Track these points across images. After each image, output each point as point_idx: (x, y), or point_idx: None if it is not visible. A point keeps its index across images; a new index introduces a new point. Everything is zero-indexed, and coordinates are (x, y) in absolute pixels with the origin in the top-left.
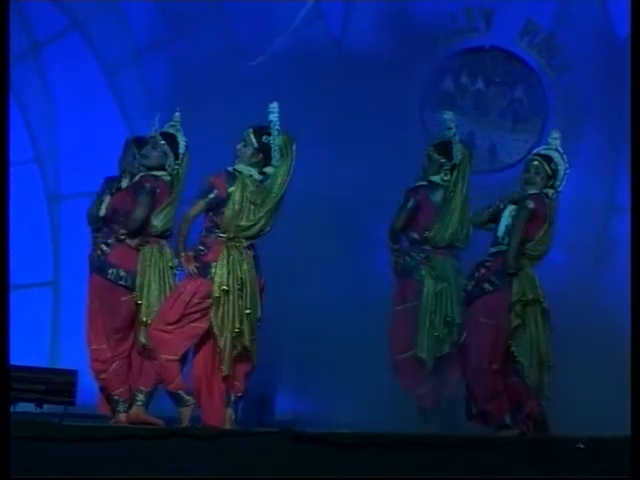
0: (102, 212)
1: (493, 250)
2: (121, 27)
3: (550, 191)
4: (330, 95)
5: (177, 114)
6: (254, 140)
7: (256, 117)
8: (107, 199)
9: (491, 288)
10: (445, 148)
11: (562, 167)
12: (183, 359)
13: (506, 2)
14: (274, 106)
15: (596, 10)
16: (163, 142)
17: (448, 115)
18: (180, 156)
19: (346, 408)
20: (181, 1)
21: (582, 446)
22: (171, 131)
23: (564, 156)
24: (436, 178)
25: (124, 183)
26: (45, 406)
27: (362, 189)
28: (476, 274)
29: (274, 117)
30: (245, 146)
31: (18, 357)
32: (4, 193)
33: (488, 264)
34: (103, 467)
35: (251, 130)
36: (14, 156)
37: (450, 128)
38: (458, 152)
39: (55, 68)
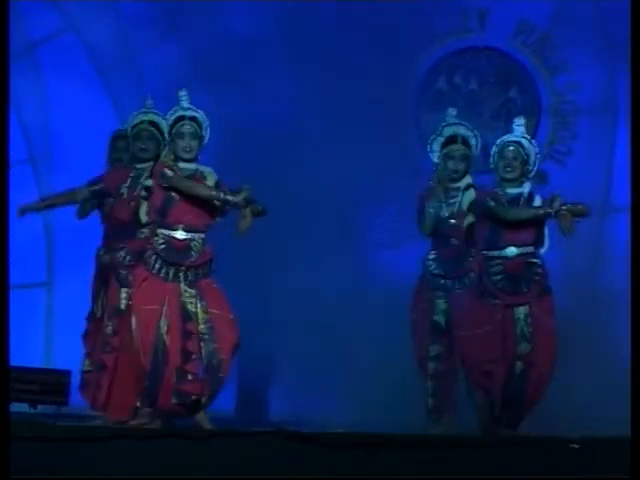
0: (145, 219)
1: (527, 250)
2: (115, 27)
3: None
4: (326, 95)
5: (150, 102)
6: (207, 134)
7: (247, 113)
8: (145, 204)
9: (551, 285)
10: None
11: (532, 152)
12: None
13: (500, 2)
14: (184, 94)
15: (591, 10)
16: (156, 131)
17: (454, 112)
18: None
19: (341, 408)
20: (175, 1)
21: (577, 446)
22: (156, 119)
23: (532, 141)
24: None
25: (149, 182)
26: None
27: (355, 189)
28: (529, 275)
29: (187, 104)
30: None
31: (12, 357)
32: (4, 193)
33: (538, 262)
34: (98, 468)
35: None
36: None
37: (461, 124)
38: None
39: (49, 68)
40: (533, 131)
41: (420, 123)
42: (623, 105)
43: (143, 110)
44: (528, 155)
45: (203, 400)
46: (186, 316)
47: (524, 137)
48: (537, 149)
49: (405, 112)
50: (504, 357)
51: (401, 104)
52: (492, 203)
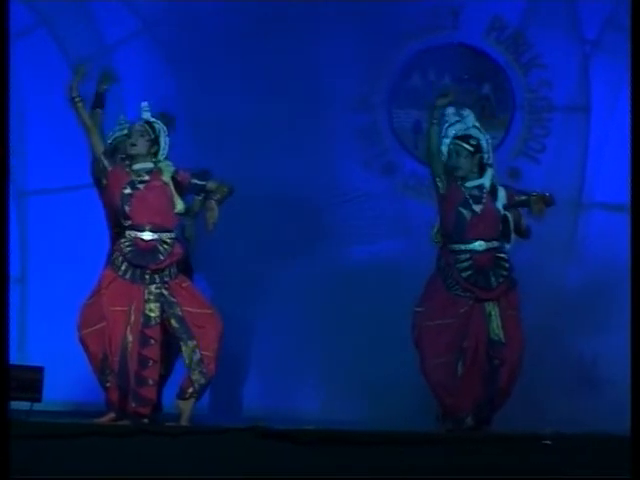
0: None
1: (495, 244)
2: (88, 23)
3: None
4: (301, 93)
5: (122, 117)
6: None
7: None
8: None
9: (516, 279)
10: None
11: (483, 139)
12: None
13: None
14: (146, 104)
15: (564, 7)
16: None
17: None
18: None
19: (314, 405)
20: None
21: (549, 442)
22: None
23: (481, 129)
24: None
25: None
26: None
27: (329, 185)
28: (498, 269)
29: (149, 115)
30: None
31: None
32: (4, 192)
33: (505, 257)
34: (70, 464)
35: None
36: None
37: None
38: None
39: (23, 64)
40: (507, 128)
41: (393, 119)
42: (596, 102)
43: (118, 128)
44: (477, 145)
45: (189, 391)
46: (146, 321)
47: (474, 126)
48: (487, 135)
49: (379, 109)
50: (460, 351)
51: (375, 101)
52: None
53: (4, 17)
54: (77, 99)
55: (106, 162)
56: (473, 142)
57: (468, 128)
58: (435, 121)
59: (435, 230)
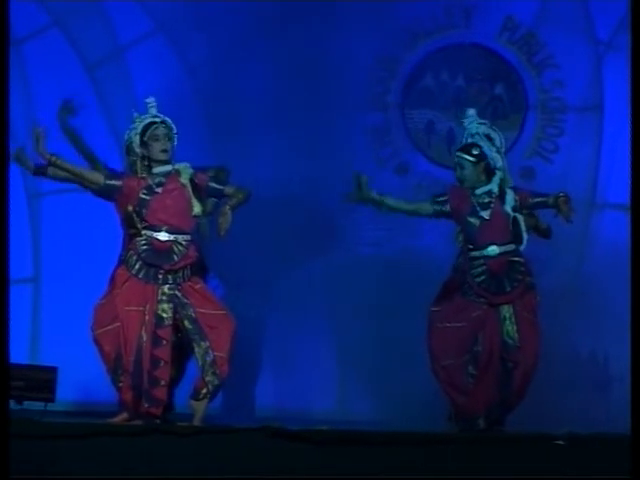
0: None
1: (509, 248)
2: (101, 23)
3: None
4: (307, 95)
5: (136, 114)
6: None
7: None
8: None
9: (534, 282)
10: None
11: (486, 145)
12: None
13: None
14: (152, 100)
15: (577, 7)
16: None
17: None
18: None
19: (327, 405)
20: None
21: (562, 443)
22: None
23: (484, 135)
24: None
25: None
26: (24, 403)
27: (342, 186)
28: (513, 274)
29: (154, 111)
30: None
31: None
32: (4, 189)
33: (521, 260)
34: (84, 464)
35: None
36: None
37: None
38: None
39: (35, 64)
40: (520, 128)
41: (406, 119)
42: (609, 102)
43: (132, 126)
44: (480, 154)
45: (203, 392)
46: (158, 322)
47: (477, 134)
48: (497, 137)
49: (392, 109)
50: (472, 354)
51: (388, 101)
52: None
53: (4, 17)
54: (53, 158)
55: (114, 182)
56: (475, 151)
57: (473, 135)
58: (381, 197)
59: (458, 230)
